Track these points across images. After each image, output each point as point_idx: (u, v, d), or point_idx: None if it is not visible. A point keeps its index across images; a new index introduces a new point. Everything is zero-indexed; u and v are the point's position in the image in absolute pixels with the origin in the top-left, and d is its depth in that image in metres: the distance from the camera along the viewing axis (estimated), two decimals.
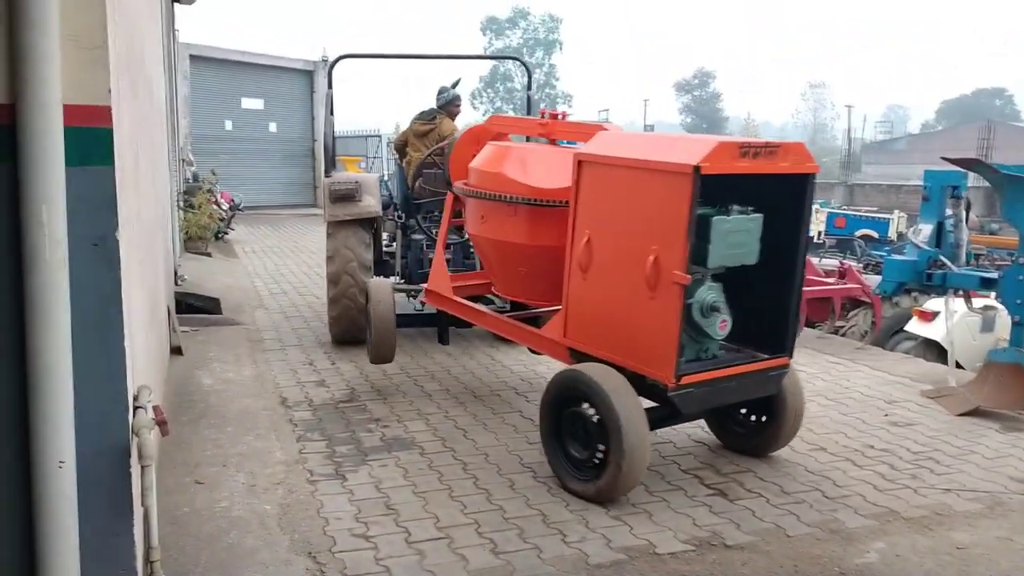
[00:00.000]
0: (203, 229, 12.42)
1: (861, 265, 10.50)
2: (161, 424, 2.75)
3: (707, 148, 3.76)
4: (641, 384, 4.03)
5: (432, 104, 7.72)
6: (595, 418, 3.92)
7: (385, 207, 7.40)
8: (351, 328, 6.75)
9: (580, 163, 4.24)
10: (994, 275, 6.24)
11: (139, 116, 4.02)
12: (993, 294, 6.93)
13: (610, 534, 3.73)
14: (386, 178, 9.70)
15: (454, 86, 7.75)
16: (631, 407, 3.88)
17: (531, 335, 4.89)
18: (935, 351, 7.50)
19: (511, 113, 65.69)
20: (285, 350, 6.86)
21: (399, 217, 7.53)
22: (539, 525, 3.81)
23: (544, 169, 4.75)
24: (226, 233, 14.42)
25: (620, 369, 4.04)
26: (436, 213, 7.07)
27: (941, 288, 6.63)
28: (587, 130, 4.75)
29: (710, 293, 4.02)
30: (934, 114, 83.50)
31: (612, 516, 3.91)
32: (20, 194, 2.28)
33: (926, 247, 6.65)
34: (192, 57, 18.48)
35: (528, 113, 7.98)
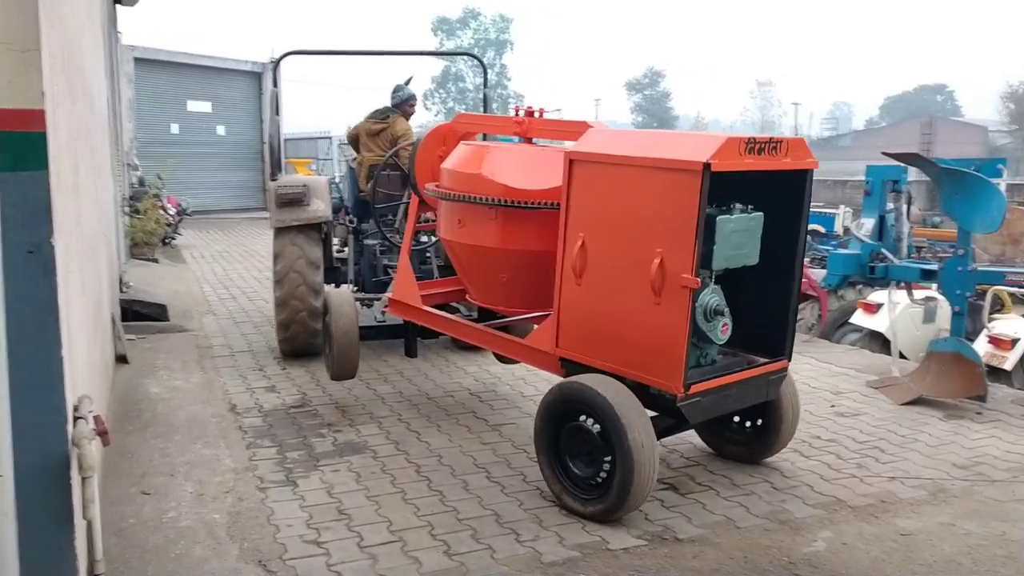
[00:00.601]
0: (149, 235, 12.19)
1: (808, 259, 10.68)
2: (102, 434, 2.70)
3: (716, 144, 3.56)
4: (643, 394, 3.84)
5: (386, 103, 7.40)
6: (598, 432, 3.74)
7: (336, 210, 7.16)
8: (301, 340, 6.42)
9: (572, 162, 4.02)
10: (935, 267, 6.40)
11: (78, 120, 3.94)
12: (935, 285, 7.10)
13: (563, 532, 3.75)
14: (337, 180, 9.55)
15: (407, 83, 7.46)
16: (638, 419, 3.67)
17: (514, 346, 4.63)
18: (879, 342, 7.66)
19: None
20: (234, 356, 6.76)
21: (351, 221, 7.21)
22: (493, 525, 3.81)
23: (526, 169, 4.52)
24: (173, 238, 14.18)
25: (620, 379, 3.85)
26: (390, 216, 6.92)
27: (884, 280, 6.79)
28: (569, 127, 4.57)
29: (713, 296, 3.82)
30: (878, 110, 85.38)
31: (565, 514, 3.93)
32: None
33: (868, 240, 6.80)
34: (136, 59, 18.11)
35: (485, 108, 7.80)
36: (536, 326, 4.83)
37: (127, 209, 11.30)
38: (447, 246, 5.05)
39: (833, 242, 13.24)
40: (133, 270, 10.18)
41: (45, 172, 2.42)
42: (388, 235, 6.66)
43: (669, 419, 4.01)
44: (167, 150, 18.67)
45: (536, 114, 4.79)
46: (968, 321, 6.33)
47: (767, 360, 4.17)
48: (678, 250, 3.60)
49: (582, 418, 3.83)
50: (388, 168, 6.79)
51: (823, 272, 8.78)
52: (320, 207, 6.42)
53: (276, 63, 7.35)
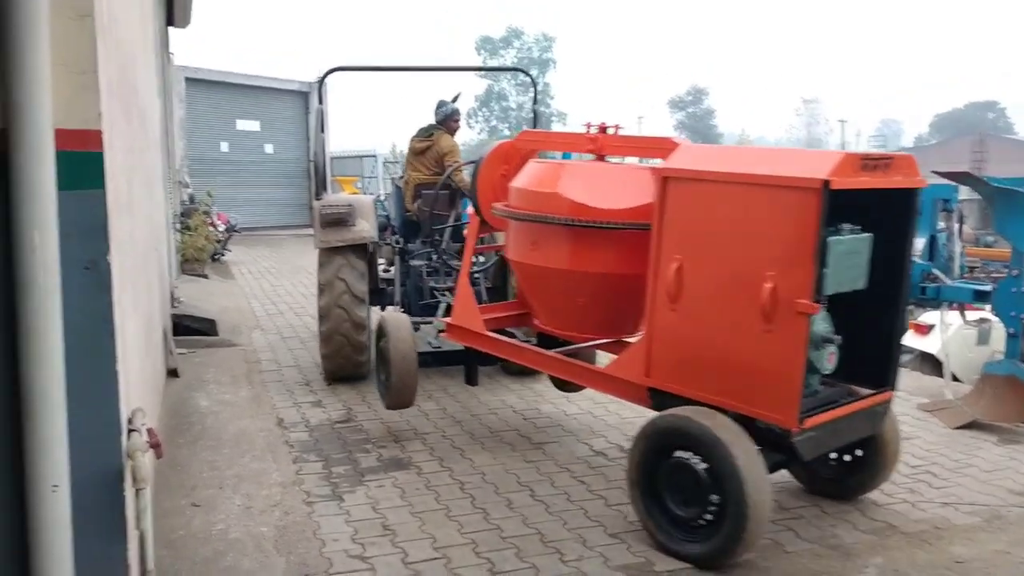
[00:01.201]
0: (199, 251, 12.43)
1: None
2: (155, 447, 2.75)
3: (834, 160, 3.36)
4: (748, 428, 3.56)
5: (430, 120, 7.20)
6: (704, 469, 3.48)
7: (383, 229, 7.03)
8: (345, 360, 6.24)
9: (666, 179, 3.79)
10: (988, 287, 6.24)
11: (132, 139, 4.03)
12: (988, 307, 6.94)
13: (608, 552, 3.72)
14: (382, 198, 9.61)
15: (454, 100, 7.24)
16: (750, 457, 3.42)
17: (594, 375, 4.39)
18: (931, 364, 7.50)
19: (507, 133, 65.93)
20: (281, 371, 6.85)
21: (397, 242, 7.04)
22: (537, 544, 3.79)
23: (604, 187, 4.29)
24: (223, 254, 14.44)
25: (722, 412, 3.60)
26: (437, 237, 6.76)
27: (935, 301, 6.64)
28: (650, 144, 4.38)
29: (823, 323, 3.60)
30: (928, 128, 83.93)
31: (610, 535, 3.89)
32: (12, 219, 2.28)
33: (919, 260, 6.67)
34: (188, 80, 18.56)
35: (535, 126, 7.57)
36: (598, 353, 4.80)
37: (178, 226, 11.54)
38: (517, 269, 4.83)
39: None
40: (184, 285, 10.38)
41: (102, 191, 2.48)
42: (444, 257, 6.52)
43: (776, 455, 3.65)
44: (217, 168, 19.08)
45: (611, 130, 4.54)
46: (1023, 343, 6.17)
47: (872, 391, 3.91)
48: (794, 273, 3.36)
49: (684, 454, 3.56)
50: (435, 187, 6.66)
51: None
52: (365, 227, 6.27)
53: (321, 80, 7.23)
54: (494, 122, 68.77)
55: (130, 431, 2.67)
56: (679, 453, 3.58)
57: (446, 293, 6.37)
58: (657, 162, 4.37)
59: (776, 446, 3.61)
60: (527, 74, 8.40)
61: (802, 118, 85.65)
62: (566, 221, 4.25)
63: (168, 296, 7.95)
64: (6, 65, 2.25)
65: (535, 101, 7.78)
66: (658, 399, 3.95)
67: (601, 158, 4.60)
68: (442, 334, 5.51)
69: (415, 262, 6.80)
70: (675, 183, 3.79)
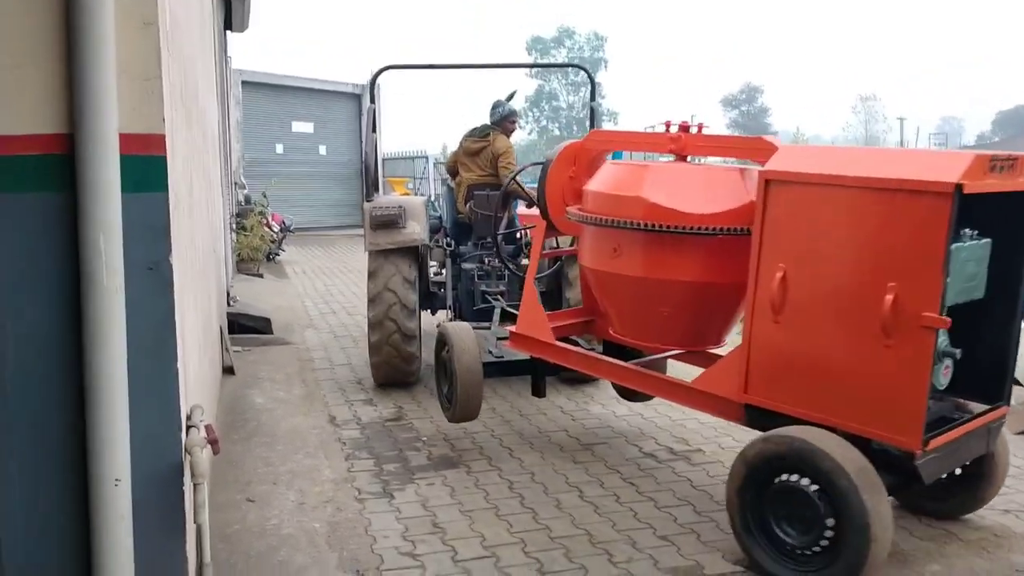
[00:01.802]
0: (255, 251, 12.67)
1: None
2: (213, 443, 2.82)
3: (964, 162, 3.12)
4: (862, 450, 3.31)
5: (483, 121, 7.02)
6: (816, 493, 3.24)
7: (435, 231, 6.96)
8: (394, 373, 6.16)
9: (768, 183, 3.55)
10: None
11: (193, 142, 4.13)
12: None
13: (657, 555, 3.70)
14: (434, 199, 9.65)
15: (509, 99, 7.06)
16: (871, 482, 3.17)
17: (680, 389, 4.16)
18: None
19: (558, 133, 65.82)
20: (334, 369, 6.95)
21: (448, 244, 6.89)
22: (585, 545, 3.79)
23: (692, 191, 4.05)
24: (277, 254, 14.69)
25: (833, 432, 3.36)
26: (489, 239, 6.56)
27: None
28: (740, 144, 4.17)
29: (941, 335, 3.29)
30: (990, 125, 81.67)
31: (659, 536, 3.88)
32: (78, 221, 2.36)
33: None
34: (244, 83, 18.91)
35: (591, 124, 7.18)
36: (670, 363, 4.66)
37: (234, 226, 11.76)
38: (593, 276, 4.58)
39: None
40: (239, 284, 10.59)
41: (164, 194, 2.55)
42: (496, 260, 6.33)
43: (890, 477, 3.33)
44: (272, 169, 19.40)
45: (693, 129, 4.29)
46: None
47: (986, 406, 3.68)
48: (919, 284, 3.12)
49: (793, 477, 3.33)
50: (488, 188, 6.59)
51: None
52: (416, 229, 6.12)
53: (373, 78, 7.03)
54: (544, 122, 68.71)
55: (189, 427, 2.74)
56: (789, 476, 3.33)
57: (499, 297, 6.31)
58: (746, 165, 4.28)
59: (892, 468, 3.35)
60: (584, 69, 7.97)
61: (859, 116, 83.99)
62: (652, 227, 3.99)
63: (224, 295, 8.12)
64: (74, 72, 2.33)
65: (592, 97, 7.41)
66: (755, 417, 3.74)
67: (683, 159, 4.36)
68: (502, 342, 5.36)
69: (467, 265, 6.64)
70: (779, 186, 3.54)
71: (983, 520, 4.09)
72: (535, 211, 6.87)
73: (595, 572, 3.54)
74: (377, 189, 6.82)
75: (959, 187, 3.03)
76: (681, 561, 3.65)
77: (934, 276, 3.09)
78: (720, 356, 4.40)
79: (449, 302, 6.65)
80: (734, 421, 3.92)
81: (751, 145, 4.01)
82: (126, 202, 2.41)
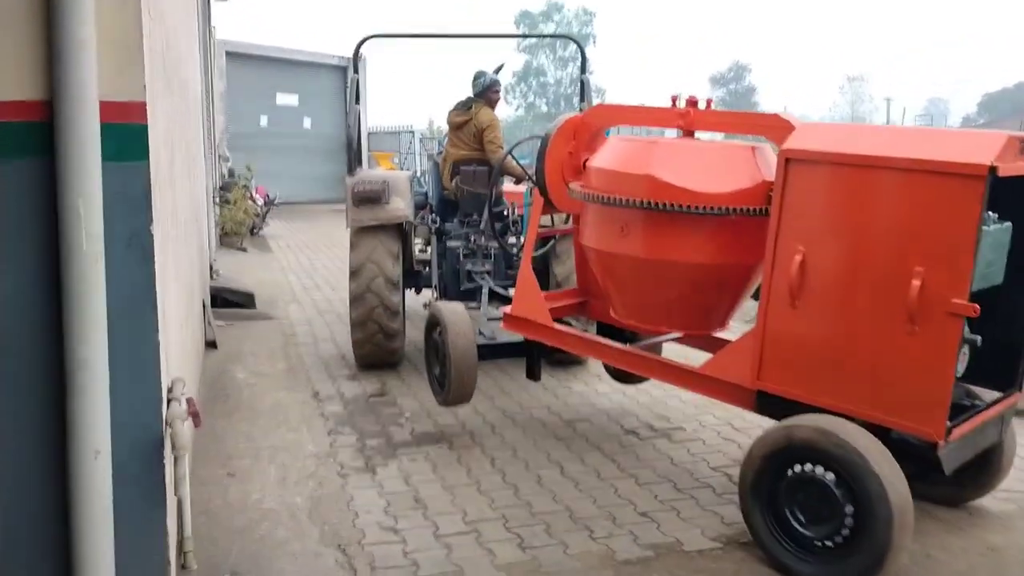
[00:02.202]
0: (238, 224, 12.58)
1: None
2: (194, 416, 2.80)
3: (997, 143, 3.00)
4: (881, 438, 3.23)
5: (469, 93, 6.75)
6: (833, 483, 3.18)
7: (421, 207, 6.76)
8: (377, 351, 5.98)
9: (789, 161, 3.41)
10: None
11: (174, 112, 4.08)
12: None
13: (637, 530, 3.73)
14: (420, 174, 9.54)
15: (497, 72, 6.79)
16: (893, 473, 3.09)
17: (687, 375, 4.02)
18: None
19: (545, 109, 65.50)
20: (317, 344, 6.93)
21: (434, 221, 6.62)
22: (566, 520, 3.82)
23: (705, 169, 3.88)
24: (261, 228, 14.59)
25: (850, 420, 3.28)
26: (475, 216, 6.48)
27: None
28: (755, 121, 4.04)
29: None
30: (976, 107, 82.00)
31: (639, 513, 3.91)
32: (57, 188, 2.33)
33: None
34: (228, 54, 18.70)
35: (582, 97, 7.02)
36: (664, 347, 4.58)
37: (218, 199, 11.68)
38: (597, 257, 4.38)
39: None
40: (223, 258, 10.52)
41: (145, 163, 2.52)
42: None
43: (909, 467, 3.24)
44: (256, 142, 19.25)
45: (702, 104, 4.10)
46: None
47: (999, 393, 3.62)
48: (947, 269, 3.01)
49: (808, 467, 3.25)
50: (474, 164, 6.44)
51: None
52: (400, 206, 5.92)
53: (357, 47, 6.67)
54: (532, 98, 68.35)
55: (170, 400, 2.73)
56: (805, 466, 3.26)
57: (485, 277, 6.22)
58: (754, 140, 4.21)
59: (912, 457, 3.28)
60: (574, 40, 7.65)
61: (846, 96, 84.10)
62: (661, 206, 3.80)
63: (207, 268, 8.07)
64: (52, 38, 2.29)
65: (582, 70, 7.23)
66: (767, 404, 3.64)
67: (690, 135, 4.17)
68: (493, 323, 5.22)
69: (452, 243, 6.45)
70: (800, 165, 3.40)
71: None
72: (521, 188, 6.84)
73: (575, 548, 3.56)
74: (360, 163, 6.54)
75: (993, 169, 2.93)
76: (661, 537, 3.68)
77: (964, 261, 2.98)
78: (724, 339, 4.38)
79: (434, 281, 6.46)
80: (744, 407, 3.82)
81: (765, 122, 3.88)
82: (106, 171, 2.38)
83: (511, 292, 5.86)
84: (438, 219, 6.66)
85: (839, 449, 3.13)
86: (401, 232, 6.05)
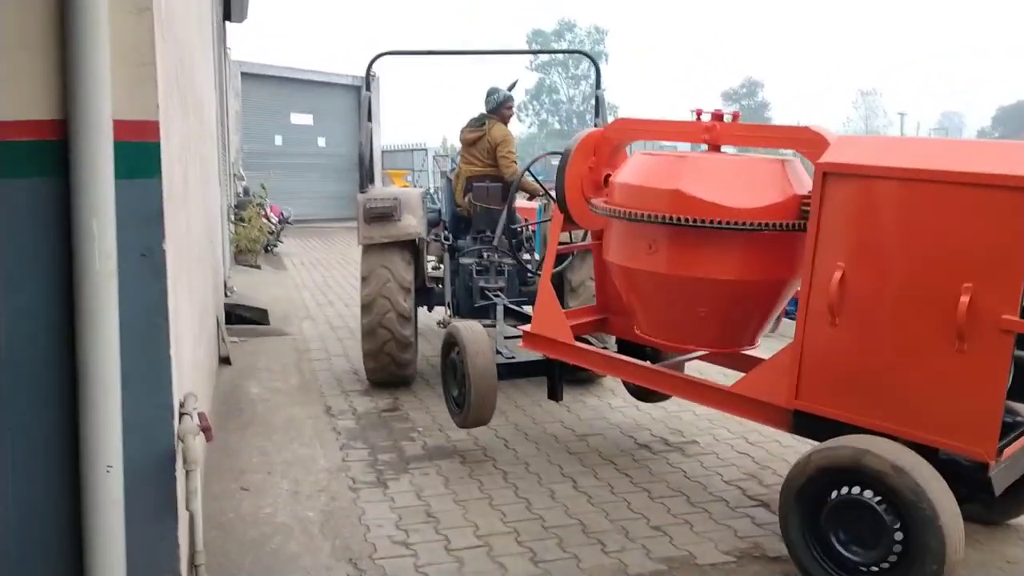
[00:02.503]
0: (253, 242, 12.66)
1: None
2: (206, 430, 2.82)
3: None
4: (929, 459, 3.09)
5: (482, 110, 6.78)
6: (881, 507, 3.03)
7: (434, 224, 6.77)
8: (389, 363, 5.87)
9: (826, 175, 3.31)
10: None
11: (188, 131, 4.13)
12: None
13: (650, 544, 3.71)
14: (433, 191, 9.59)
15: (511, 88, 6.81)
16: (945, 497, 2.95)
17: (719, 394, 3.88)
18: None
19: (558, 127, 65.70)
20: (330, 360, 6.95)
21: (447, 238, 6.63)
22: (579, 534, 3.81)
23: (735, 183, 3.80)
24: (275, 246, 14.69)
25: (894, 440, 3.16)
26: (488, 233, 6.45)
27: None
28: (784, 134, 3.96)
29: None
30: (991, 121, 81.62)
31: (652, 527, 3.89)
32: (71, 207, 2.37)
33: None
34: (243, 74, 18.91)
35: (597, 113, 6.98)
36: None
37: (232, 217, 11.77)
38: (623, 274, 4.24)
39: None
40: (237, 275, 10.59)
41: (158, 180, 2.55)
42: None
43: (958, 488, 3.09)
44: (271, 161, 19.41)
45: (727, 117, 4.01)
46: None
47: None
48: (998, 285, 2.91)
49: (855, 490, 3.11)
50: (488, 180, 6.47)
51: None
52: (412, 223, 5.84)
53: (369, 65, 6.61)
54: (544, 115, 68.62)
55: (182, 415, 2.75)
56: (851, 489, 3.11)
57: (499, 294, 6.11)
58: (788, 154, 4.13)
59: (960, 479, 3.16)
60: (588, 56, 7.59)
61: (859, 111, 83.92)
62: (691, 222, 3.70)
63: (222, 286, 8.13)
64: (67, 57, 2.34)
65: (597, 86, 7.15)
66: (805, 424, 3.52)
67: (715, 149, 4.08)
68: (510, 341, 5.10)
69: (465, 260, 6.36)
70: (839, 179, 3.30)
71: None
72: (533, 204, 6.86)
73: (588, 562, 3.55)
74: (372, 180, 6.50)
75: None
76: (674, 551, 3.66)
77: (1015, 276, 2.89)
78: (752, 357, 4.31)
79: (448, 298, 6.34)
80: (778, 428, 3.68)
81: (797, 135, 3.77)
82: (119, 188, 2.42)
83: (527, 309, 5.89)
84: (451, 236, 6.65)
85: (885, 471, 2.98)
86: (413, 249, 5.98)
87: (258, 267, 12.47)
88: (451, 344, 4.81)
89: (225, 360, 6.65)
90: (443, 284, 6.51)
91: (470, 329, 4.71)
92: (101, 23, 2.34)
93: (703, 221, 3.68)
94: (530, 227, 6.61)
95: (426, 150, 23.99)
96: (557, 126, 66.03)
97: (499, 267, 6.27)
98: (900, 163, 3.20)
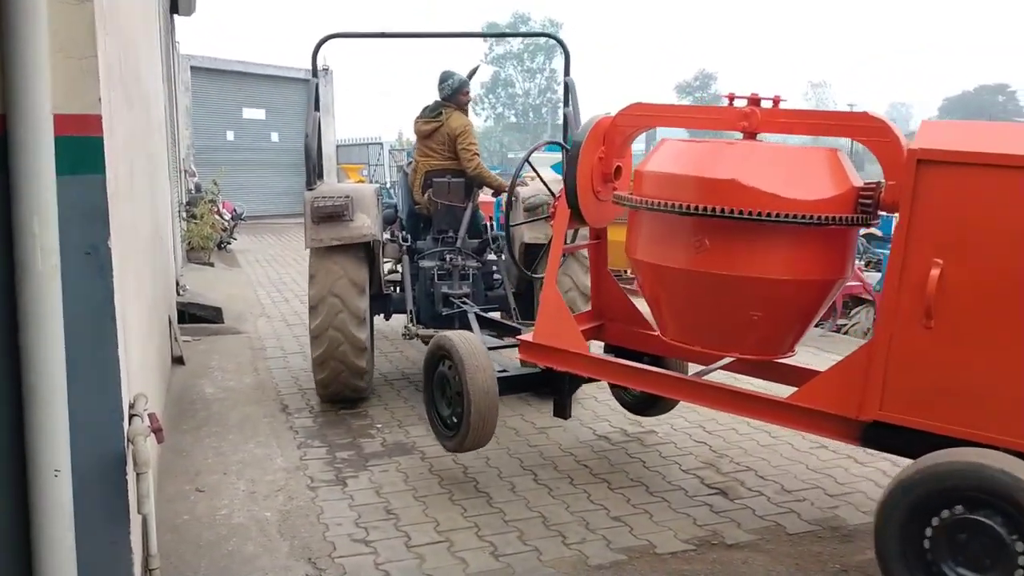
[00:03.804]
0: (205, 239, 12.46)
1: (863, 263, 10.47)
2: (157, 431, 2.76)
3: None
4: None
5: (436, 98, 6.19)
6: (1005, 527, 2.75)
7: (390, 222, 6.28)
8: (343, 390, 5.40)
9: (920, 163, 3.02)
10: None
11: (134, 126, 4.04)
12: None
13: (610, 535, 3.73)
14: (389, 186, 9.43)
15: (471, 75, 6.29)
16: None
17: (772, 407, 3.53)
18: None
19: (514, 120, 65.63)
20: (287, 357, 6.87)
21: (404, 239, 6.07)
22: (539, 527, 3.81)
23: (791, 174, 3.46)
24: (229, 243, 14.47)
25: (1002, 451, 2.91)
26: (451, 233, 6.02)
27: None
28: (836, 121, 3.58)
29: None
30: (937, 111, 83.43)
31: (612, 517, 3.91)
32: (11, 204, 2.29)
33: None
34: (193, 68, 18.59)
35: (566, 100, 6.24)
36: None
37: (184, 214, 11.56)
38: (658, 275, 3.83)
39: (889, 245, 12.91)
40: (189, 274, 10.41)
41: (102, 176, 2.48)
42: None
43: None
44: (223, 156, 19.11)
45: (768, 103, 3.65)
46: None
47: None
48: None
49: (959, 509, 2.84)
50: (449, 174, 5.99)
51: (878, 275, 8.61)
52: (366, 223, 5.26)
53: (316, 48, 6.00)
54: (500, 108, 68.53)
55: (132, 416, 2.69)
56: (962, 509, 2.83)
57: (467, 301, 5.65)
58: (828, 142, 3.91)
59: None
60: (557, 39, 6.60)
61: (810, 102, 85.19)
62: (756, 215, 3.34)
63: (173, 284, 7.98)
64: (4, 50, 2.25)
65: (567, 72, 6.39)
66: (882, 436, 3.25)
67: (751, 138, 3.70)
68: (495, 351, 4.64)
69: (425, 263, 5.85)
70: (936, 168, 3.00)
71: None
72: (492, 199, 6.67)
73: (549, 554, 3.55)
74: (320, 176, 5.85)
75: None
76: (634, 541, 3.68)
77: None
78: (786, 365, 4.00)
79: (409, 306, 5.71)
80: (845, 440, 3.38)
81: (853, 122, 3.43)
82: (61, 184, 2.34)
83: (498, 316, 5.53)
84: (409, 236, 6.14)
85: (1005, 485, 2.73)
86: (368, 252, 5.43)
87: (211, 264, 12.27)
88: (440, 357, 4.30)
89: (178, 360, 6.53)
90: (401, 289, 6.01)
91: (466, 341, 4.19)
92: (39, 14, 2.26)
93: (770, 215, 3.34)
94: (491, 225, 6.39)
95: (381, 144, 23.80)
96: (513, 119, 65.98)
97: (463, 271, 5.82)
98: (1007, 149, 2.93)
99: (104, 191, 2.48)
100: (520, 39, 65.12)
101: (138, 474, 2.61)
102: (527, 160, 4.90)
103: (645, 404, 4.94)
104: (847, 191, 3.44)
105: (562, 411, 4.44)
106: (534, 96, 66.92)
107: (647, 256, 3.84)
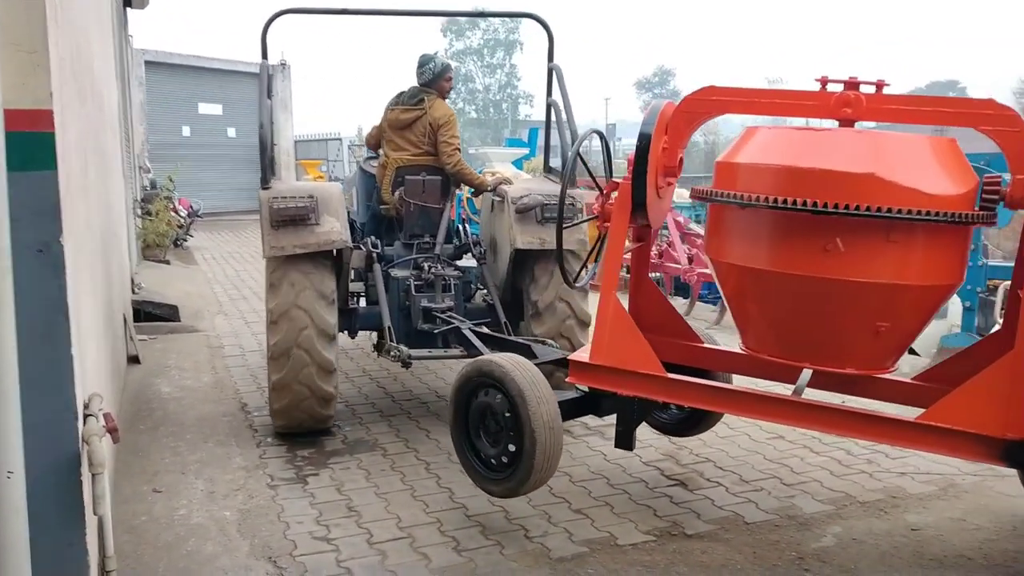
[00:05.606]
0: (161, 236, 12.26)
1: None
2: (112, 431, 2.72)
3: None
4: None
5: (413, 83, 5.51)
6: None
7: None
8: (306, 420, 4.73)
9: None
10: None
11: (87, 121, 3.97)
12: None
13: (572, 527, 3.75)
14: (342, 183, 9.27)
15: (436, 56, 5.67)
16: None
17: (897, 427, 3.16)
18: None
19: (475, 115, 65.47)
20: (245, 355, 6.80)
21: (374, 245, 5.39)
22: (502, 521, 3.82)
23: (923, 167, 3.11)
24: (185, 240, 14.27)
25: None
26: (426, 237, 5.43)
27: None
28: (955, 108, 3.20)
29: None
30: None
31: (574, 510, 3.93)
32: None
33: None
34: (148, 63, 18.28)
35: (549, 92, 5.73)
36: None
37: (139, 211, 11.37)
38: (760, 281, 3.36)
39: None
40: (145, 271, 10.25)
41: (54, 172, 2.44)
42: (439, 265, 5.01)
43: None
44: (178, 152, 18.84)
45: (867, 88, 3.25)
46: (980, 317, 6.30)
47: None
48: None
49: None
50: (424, 171, 5.36)
51: None
52: (335, 227, 4.62)
53: (266, 26, 5.31)
54: (460, 104, 68.36)
55: (86, 416, 2.64)
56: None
57: (453, 315, 4.98)
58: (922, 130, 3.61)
59: None
60: (540, 21, 5.71)
61: None
62: (903, 214, 2.97)
63: (128, 282, 7.85)
64: None
65: (550, 58, 5.70)
66: (1016, 454, 2.95)
67: (850, 127, 3.31)
68: (572, 379, 3.89)
69: (398, 272, 5.18)
70: None
71: (880, 483, 4.28)
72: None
73: (511, 548, 3.57)
74: (274, 172, 5.01)
75: None
76: (595, 533, 3.71)
77: None
78: (855, 375, 3.51)
79: (386, 322, 4.93)
80: (981, 460, 3.09)
81: (976, 110, 3.07)
82: (12, 181, 2.30)
83: (491, 332, 4.83)
84: (377, 243, 5.45)
85: None
86: (336, 262, 4.80)
87: (167, 262, 12.08)
88: (481, 385, 3.71)
89: (134, 359, 6.43)
90: (370, 303, 5.37)
91: (522, 367, 3.57)
92: None
93: (919, 213, 2.98)
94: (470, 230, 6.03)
95: (340, 139, 23.64)
96: (474, 115, 65.85)
97: (444, 281, 5.11)
98: None
99: (56, 188, 2.44)
100: (474, 36, 64.83)
101: (93, 475, 2.58)
102: (578, 155, 4.03)
103: (687, 425, 4.48)
104: (974, 186, 3.14)
105: (627, 441, 3.82)
106: (494, 91, 66.85)
107: (743, 260, 3.39)
